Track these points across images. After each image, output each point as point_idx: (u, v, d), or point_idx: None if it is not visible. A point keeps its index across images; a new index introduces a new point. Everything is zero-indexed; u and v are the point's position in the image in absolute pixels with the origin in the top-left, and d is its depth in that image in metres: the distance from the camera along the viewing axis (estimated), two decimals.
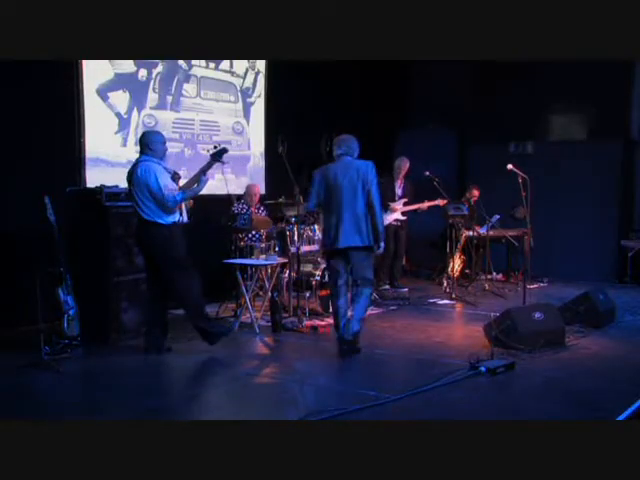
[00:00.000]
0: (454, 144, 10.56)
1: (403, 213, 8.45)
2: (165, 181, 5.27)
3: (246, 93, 8.34)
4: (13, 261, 5.96)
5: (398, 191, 8.52)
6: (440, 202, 8.39)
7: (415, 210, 8.50)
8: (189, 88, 7.66)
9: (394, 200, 8.42)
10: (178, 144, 7.50)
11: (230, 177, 7.92)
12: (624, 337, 6.21)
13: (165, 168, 5.39)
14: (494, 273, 9.34)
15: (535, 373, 5.02)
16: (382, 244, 5.49)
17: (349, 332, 5.38)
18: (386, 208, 8.33)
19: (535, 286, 8.71)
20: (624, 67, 9.18)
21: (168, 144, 7.04)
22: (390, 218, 8.37)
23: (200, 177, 5.39)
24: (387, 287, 8.42)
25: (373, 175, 5.39)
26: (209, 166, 5.45)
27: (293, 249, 6.71)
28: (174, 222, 5.35)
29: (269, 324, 6.38)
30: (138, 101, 7.11)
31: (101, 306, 5.76)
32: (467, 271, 9.12)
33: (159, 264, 5.39)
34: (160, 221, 5.29)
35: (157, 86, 7.29)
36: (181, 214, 5.41)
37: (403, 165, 8.50)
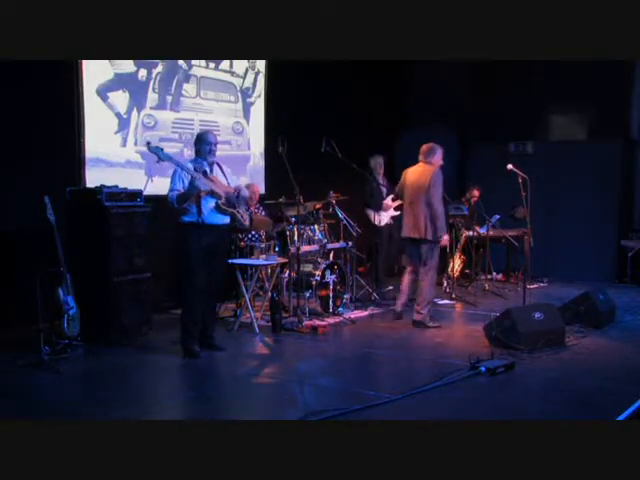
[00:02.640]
0: (454, 144, 10.56)
1: (395, 208, 8.38)
2: (178, 181, 5.28)
3: (246, 93, 8.34)
4: (13, 261, 5.96)
5: (383, 189, 8.47)
6: None
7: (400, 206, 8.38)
8: (189, 88, 7.66)
9: (382, 199, 8.37)
10: (177, 144, 7.49)
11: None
12: (624, 337, 6.21)
13: (192, 167, 5.32)
14: (494, 273, 9.35)
15: (535, 373, 5.02)
16: (443, 235, 6.56)
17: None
18: (380, 207, 8.30)
19: (535, 286, 8.71)
20: (624, 67, 9.19)
21: (167, 144, 7.14)
22: (387, 217, 8.35)
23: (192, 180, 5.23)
24: (390, 288, 8.40)
25: (433, 179, 6.41)
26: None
27: (293, 249, 6.72)
28: (190, 222, 5.31)
29: (269, 324, 6.38)
30: (138, 101, 7.11)
31: (101, 306, 5.76)
32: (467, 271, 9.12)
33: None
34: (178, 219, 5.36)
35: (157, 86, 7.29)
36: (199, 214, 5.28)
37: (380, 162, 8.45)
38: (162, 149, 5.23)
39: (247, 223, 5.70)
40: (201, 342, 5.53)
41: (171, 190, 5.30)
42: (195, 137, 5.65)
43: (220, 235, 5.50)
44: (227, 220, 5.50)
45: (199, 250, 5.34)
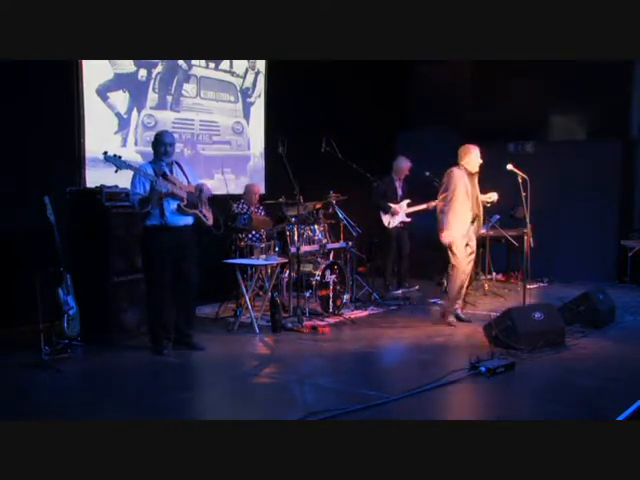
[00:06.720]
0: (454, 144, 10.54)
1: (408, 214, 8.40)
2: (139, 184, 5.28)
3: (246, 93, 8.34)
4: (13, 261, 5.96)
5: (399, 192, 8.48)
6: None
7: (420, 211, 8.35)
8: (189, 88, 7.66)
9: (396, 201, 8.37)
10: (178, 144, 7.45)
11: (230, 177, 7.93)
12: (624, 337, 6.21)
13: (152, 168, 5.35)
14: (494, 273, 9.34)
15: (535, 373, 5.02)
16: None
17: None
18: (387, 209, 8.29)
19: (535, 286, 8.71)
20: (624, 67, 9.18)
21: None
22: (396, 220, 8.33)
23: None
24: (399, 291, 8.38)
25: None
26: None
27: (293, 249, 6.71)
28: (154, 225, 5.35)
29: (269, 324, 6.38)
30: (138, 101, 7.11)
31: (101, 306, 5.76)
32: None
33: None
34: (143, 224, 5.42)
35: (157, 86, 7.30)
36: (162, 216, 5.31)
37: (404, 165, 8.46)
38: (119, 157, 5.10)
39: (210, 222, 5.67)
40: (179, 342, 5.61)
41: (133, 194, 5.34)
42: (153, 138, 5.59)
43: (185, 236, 5.50)
44: (190, 221, 5.52)
45: (164, 252, 5.38)
